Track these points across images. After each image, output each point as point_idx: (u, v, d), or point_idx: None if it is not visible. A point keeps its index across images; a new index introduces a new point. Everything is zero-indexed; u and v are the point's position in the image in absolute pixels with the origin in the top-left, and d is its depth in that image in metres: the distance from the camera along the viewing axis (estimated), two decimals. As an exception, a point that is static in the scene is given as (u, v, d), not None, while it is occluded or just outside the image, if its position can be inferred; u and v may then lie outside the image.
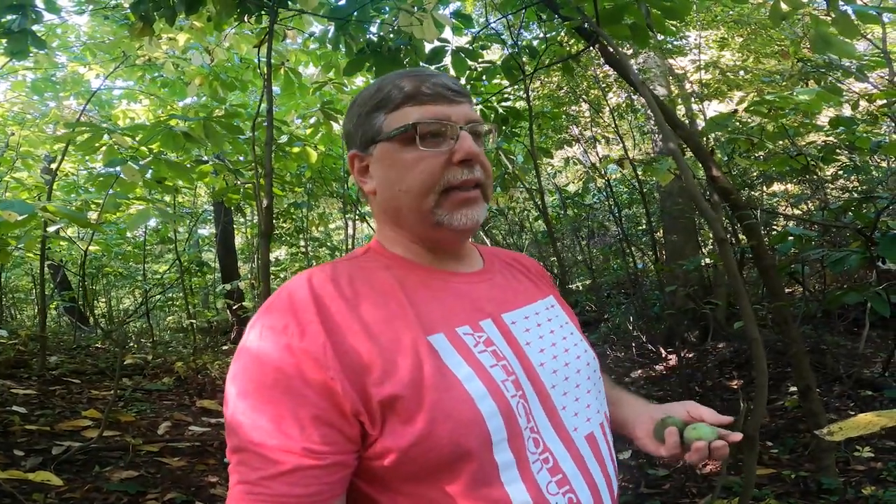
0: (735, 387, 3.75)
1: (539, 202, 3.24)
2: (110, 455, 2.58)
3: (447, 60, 2.64)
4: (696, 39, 4.30)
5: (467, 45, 2.58)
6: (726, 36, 4.22)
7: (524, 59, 2.68)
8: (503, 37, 3.09)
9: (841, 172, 4.52)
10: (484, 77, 2.91)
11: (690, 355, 4.49)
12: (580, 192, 5.29)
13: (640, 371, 4.61)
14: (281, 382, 0.57)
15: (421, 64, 2.58)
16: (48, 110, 5.17)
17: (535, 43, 2.96)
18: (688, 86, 4.40)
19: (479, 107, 3.15)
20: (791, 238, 3.10)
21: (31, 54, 2.46)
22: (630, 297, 5.45)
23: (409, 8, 2.24)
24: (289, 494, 0.55)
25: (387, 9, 2.40)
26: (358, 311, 0.62)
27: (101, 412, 2.90)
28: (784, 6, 2.01)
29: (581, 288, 6.20)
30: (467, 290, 0.72)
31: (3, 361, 3.82)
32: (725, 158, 3.11)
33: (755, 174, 5.30)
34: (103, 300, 8.54)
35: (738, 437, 0.72)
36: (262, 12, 2.43)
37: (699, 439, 0.71)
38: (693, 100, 4.21)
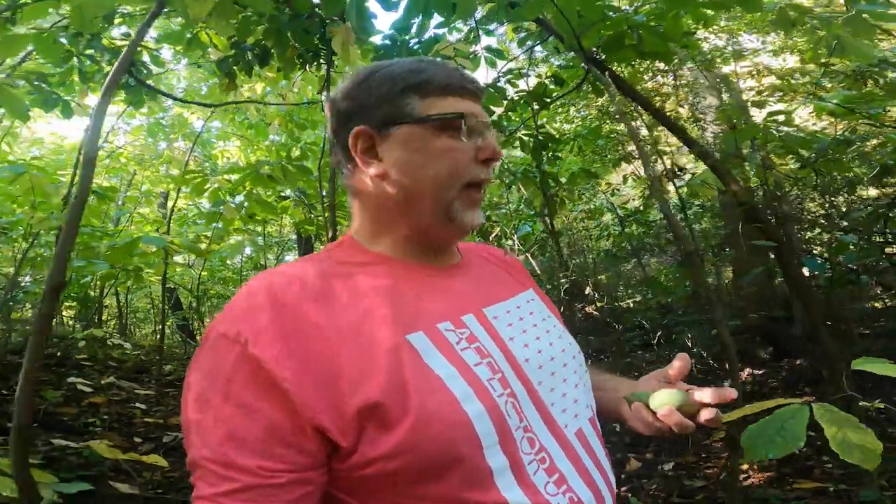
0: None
1: (551, 231, 3.34)
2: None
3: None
4: (753, 42, 4.20)
5: (496, 81, 2.84)
6: (780, 41, 4.11)
7: (551, 86, 2.89)
8: (526, 71, 3.32)
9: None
10: (517, 107, 3.14)
11: (760, 372, 4.28)
12: (641, 208, 5.25)
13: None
14: (232, 396, 0.53)
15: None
16: (161, 151, 6.09)
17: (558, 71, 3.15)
18: (745, 95, 4.29)
19: (519, 134, 3.37)
20: (852, 247, 2.97)
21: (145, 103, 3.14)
22: (698, 313, 5.27)
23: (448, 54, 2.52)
24: None
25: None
26: (326, 313, 0.57)
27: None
28: (791, 13, 2.05)
29: (636, 307, 6.08)
30: (447, 283, 0.68)
31: (129, 367, 4.58)
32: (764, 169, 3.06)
33: (840, 181, 4.94)
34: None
35: (730, 392, 0.65)
36: (321, 61, 2.87)
37: (662, 405, 0.67)
38: (749, 106, 4.12)
